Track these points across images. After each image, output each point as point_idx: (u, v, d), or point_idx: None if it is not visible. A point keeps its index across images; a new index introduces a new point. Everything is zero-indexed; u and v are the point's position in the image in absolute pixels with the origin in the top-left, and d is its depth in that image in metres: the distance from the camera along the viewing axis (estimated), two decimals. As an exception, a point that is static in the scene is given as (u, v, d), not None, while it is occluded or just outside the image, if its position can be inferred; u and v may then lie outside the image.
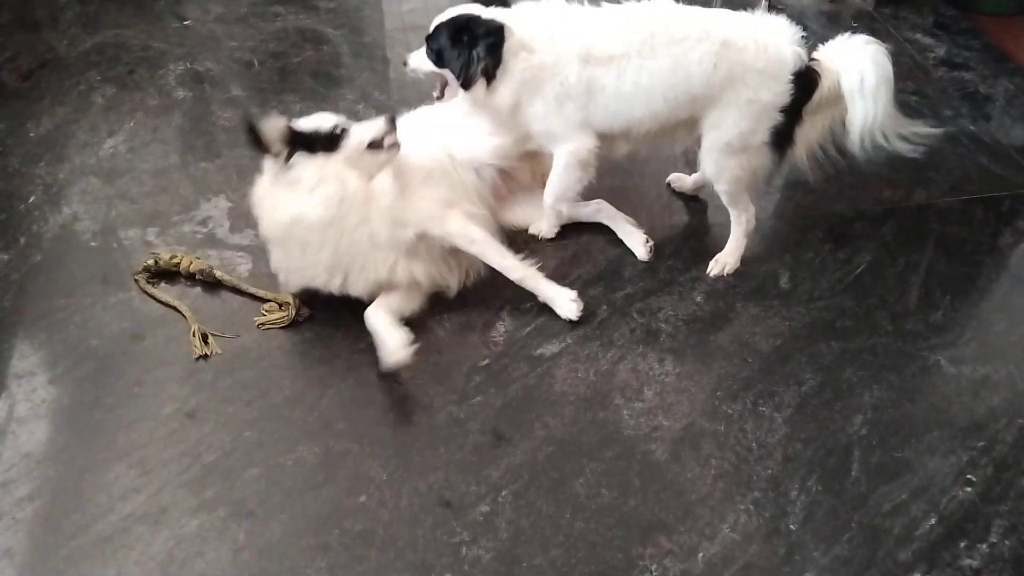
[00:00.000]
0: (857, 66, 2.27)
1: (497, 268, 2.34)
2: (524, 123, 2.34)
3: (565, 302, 2.34)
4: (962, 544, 1.90)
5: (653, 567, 1.84)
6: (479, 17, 2.21)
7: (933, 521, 1.94)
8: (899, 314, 2.43)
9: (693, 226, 2.70)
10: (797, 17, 3.75)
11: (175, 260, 2.41)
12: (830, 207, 2.79)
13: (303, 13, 3.70)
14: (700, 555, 1.86)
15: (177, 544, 1.84)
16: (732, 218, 2.50)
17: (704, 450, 2.07)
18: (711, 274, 2.51)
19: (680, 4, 2.30)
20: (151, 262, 2.41)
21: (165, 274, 2.43)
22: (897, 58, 3.52)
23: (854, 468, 2.04)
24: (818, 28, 3.75)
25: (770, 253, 2.62)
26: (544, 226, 2.58)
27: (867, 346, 2.34)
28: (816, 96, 2.30)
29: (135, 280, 2.39)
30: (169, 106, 3.12)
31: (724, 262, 2.52)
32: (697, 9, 2.30)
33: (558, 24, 2.24)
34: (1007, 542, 1.90)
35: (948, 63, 3.55)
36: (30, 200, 2.68)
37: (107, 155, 2.87)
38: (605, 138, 2.36)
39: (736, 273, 2.53)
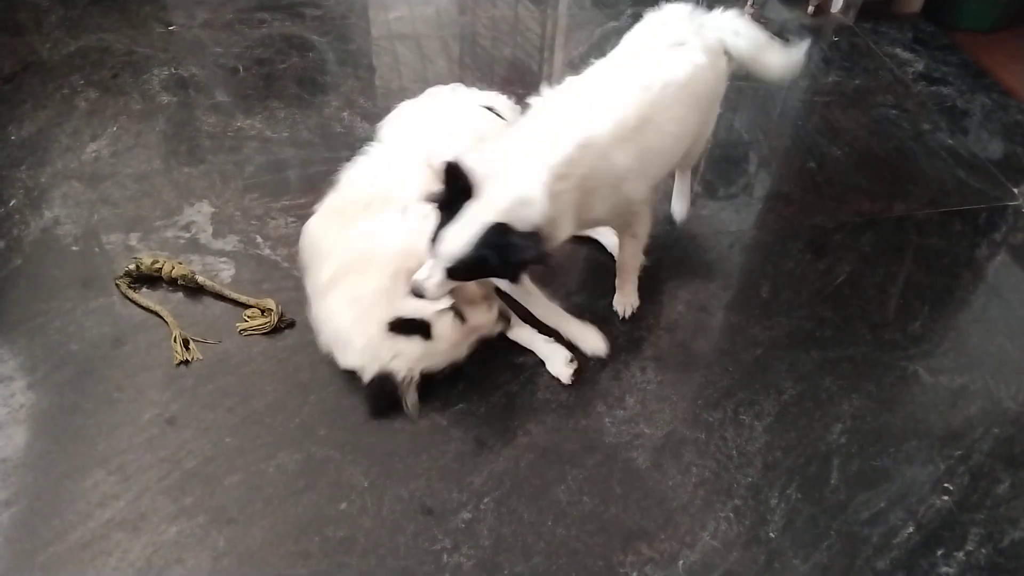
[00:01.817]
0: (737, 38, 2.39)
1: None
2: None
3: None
4: (939, 552, 1.92)
5: (634, 574, 1.84)
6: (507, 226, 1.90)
7: (911, 529, 1.96)
8: (878, 324, 2.46)
9: (675, 235, 2.72)
10: (779, 31, 3.83)
11: (157, 265, 2.40)
12: (811, 218, 2.83)
13: (289, 20, 3.70)
14: (680, 563, 1.87)
15: (156, 551, 1.83)
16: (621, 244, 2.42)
17: (685, 458, 2.08)
18: (625, 316, 2.43)
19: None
20: (132, 267, 2.39)
21: (147, 279, 2.41)
22: (877, 72, 3.62)
23: (833, 476, 2.06)
24: (799, 41, 3.78)
25: (751, 263, 2.64)
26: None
27: (846, 356, 2.36)
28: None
29: (116, 285, 2.38)
30: (153, 111, 3.11)
31: (627, 301, 2.44)
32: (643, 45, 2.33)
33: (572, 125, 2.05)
34: (983, 550, 1.93)
35: (927, 78, 3.61)
36: (11, 203, 2.66)
37: (90, 159, 2.85)
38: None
39: (717, 283, 2.56)
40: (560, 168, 1.92)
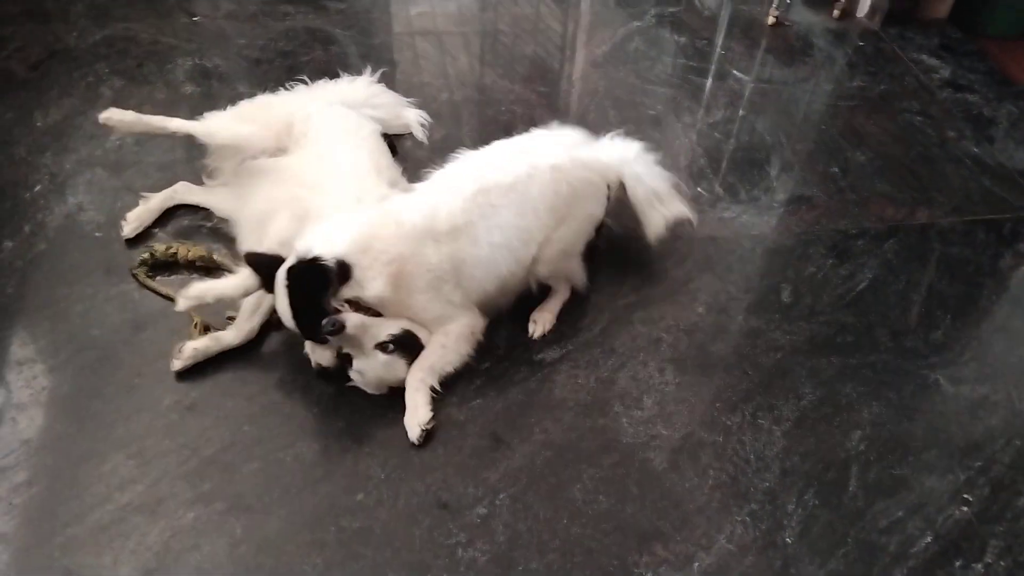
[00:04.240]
0: (640, 179, 2.43)
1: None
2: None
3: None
4: (957, 563, 1.90)
5: (649, 575, 1.84)
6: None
7: (929, 539, 1.94)
8: (899, 332, 2.44)
9: (696, 237, 2.70)
10: (803, 35, 3.81)
11: (171, 250, 2.41)
12: (833, 223, 2.81)
13: (313, 13, 3.71)
14: (696, 565, 1.86)
15: (173, 535, 1.84)
16: (557, 289, 2.41)
17: (702, 460, 2.07)
18: (534, 336, 2.34)
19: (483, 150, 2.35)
20: (147, 255, 2.40)
21: (164, 265, 2.43)
22: (902, 78, 3.60)
23: (851, 483, 2.05)
24: (825, 46, 3.77)
25: (772, 267, 2.63)
26: (422, 415, 2.07)
27: (867, 362, 2.34)
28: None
29: (133, 275, 2.39)
30: (177, 100, 3.12)
31: (543, 322, 2.37)
32: (499, 146, 2.36)
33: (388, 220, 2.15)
34: (1002, 563, 1.91)
35: (953, 85, 3.58)
36: (36, 189, 2.68)
37: (113, 147, 2.87)
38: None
39: (738, 286, 2.54)
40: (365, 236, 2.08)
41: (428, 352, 2.15)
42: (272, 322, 2.27)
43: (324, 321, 1.96)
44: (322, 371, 2.13)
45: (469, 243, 2.14)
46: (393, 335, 2.09)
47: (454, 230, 2.13)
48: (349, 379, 2.13)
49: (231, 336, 2.21)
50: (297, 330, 2.06)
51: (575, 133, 2.42)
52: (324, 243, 2.04)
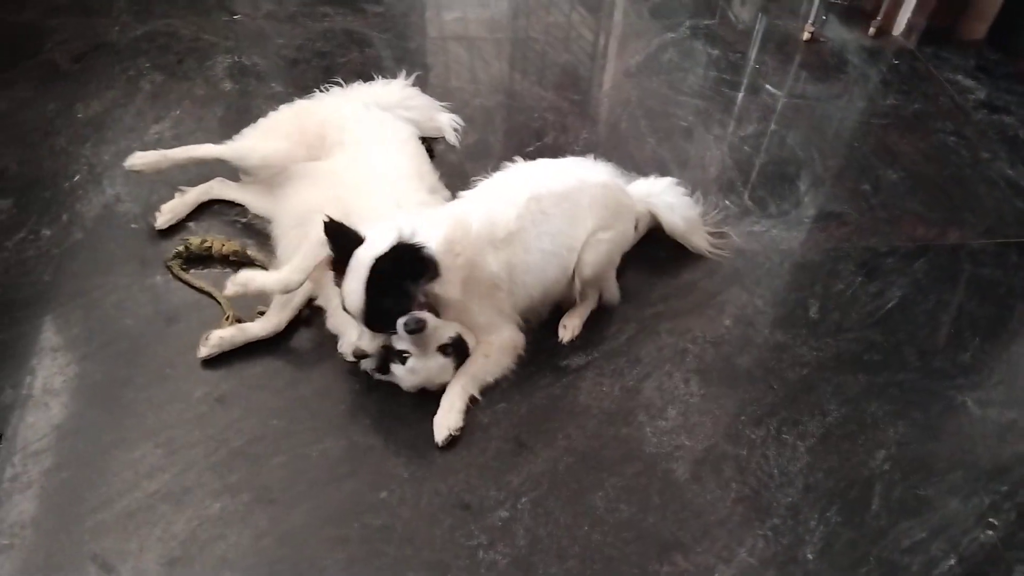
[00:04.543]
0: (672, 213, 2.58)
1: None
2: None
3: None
4: (981, 586, 1.89)
5: (668, 585, 1.84)
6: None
7: (952, 562, 1.93)
8: (927, 352, 2.43)
9: (725, 250, 2.70)
10: (838, 52, 3.80)
11: (206, 244, 2.45)
12: (863, 240, 2.80)
13: (351, 15, 3.76)
14: (716, 576, 1.86)
15: (200, 525, 1.86)
16: (586, 297, 2.41)
17: (725, 473, 2.07)
18: (564, 340, 2.35)
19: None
20: (182, 248, 2.44)
21: (198, 259, 2.46)
22: (936, 98, 3.58)
23: (875, 502, 2.04)
24: (859, 63, 3.76)
25: (800, 282, 2.62)
26: (454, 420, 2.09)
27: (894, 381, 2.33)
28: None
29: (168, 267, 2.42)
30: (215, 97, 3.17)
31: (571, 327, 2.38)
32: (545, 162, 2.42)
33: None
34: (1027, 588, 1.89)
35: (988, 106, 3.55)
36: (75, 179, 2.73)
37: (152, 140, 2.92)
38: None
39: (765, 300, 2.54)
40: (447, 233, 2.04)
41: (472, 361, 2.18)
42: (300, 318, 2.30)
43: (406, 318, 1.95)
44: (359, 357, 2.09)
45: (522, 250, 2.17)
46: (452, 338, 2.11)
47: (510, 236, 2.15)
48: (380, 371, 2.13)
49: (257, 328, 2.23)
50: (360, 312, 1.98)
51: (609, 166, 2.48)
52: (425, 233, 2.00)
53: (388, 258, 1.94)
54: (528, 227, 2.17)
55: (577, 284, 2.31)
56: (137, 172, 2.54)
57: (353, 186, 2.35)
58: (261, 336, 2.24)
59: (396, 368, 2.09)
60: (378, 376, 2.16)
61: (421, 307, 2.01)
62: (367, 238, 1.99)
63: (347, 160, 2.46)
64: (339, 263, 2.01)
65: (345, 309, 2.02)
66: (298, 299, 2.27)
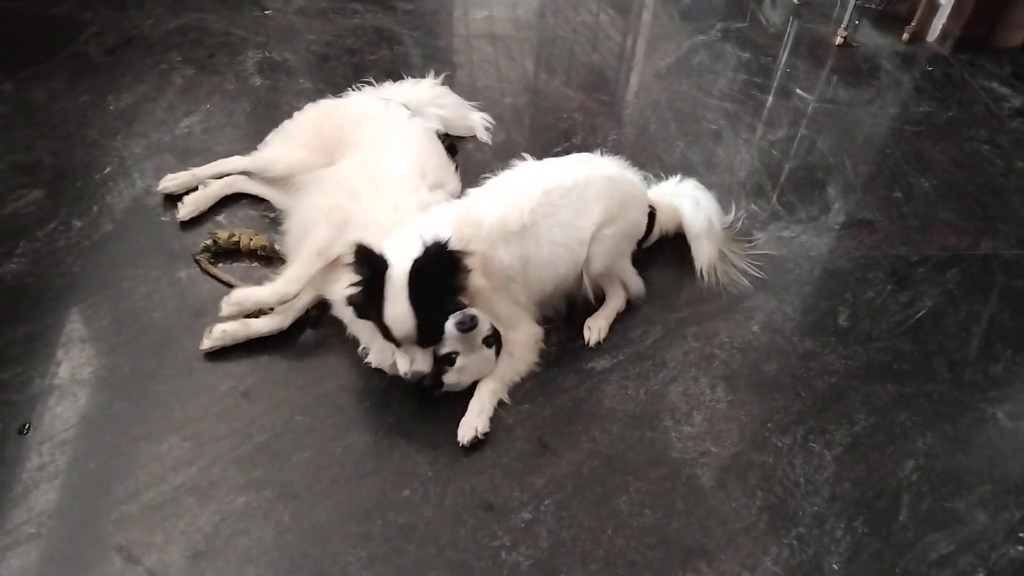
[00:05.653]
0: (698, 212, 2.56)
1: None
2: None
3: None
4: (1011, 603, 1.86)
5: (692, 592, 1.83)
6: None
7: (981, 576, 1.90)
8: (958, 363, 2.39)
9: (753, 256, 2.67)
10: (871, 57, 3.75)
11: (234, 238, 2.46)
12: (894, 249, 2.76)
13: (381, 12, 3.76)
14: (740, 585, 1.84)
15: (224, 519, 1.87)
16: (611, 296, 2.43)
17: (751, 480, 2.05)
18: (590, 342, 2.33)
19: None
20: (210, 242, 2.45)
21: (226, 253, 2.47)
22: (971, 105, 3.52)
23: (902, 513, 2.01)
24: (892, 69, 3.71)
25: (830, 290, 2.59)
26: (482, 424, 2.08)
27: (923, 392, 2.30)
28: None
29: (196, 261, 2.43)
30: (245, 92, 3.18)
31: (597, 328, 2.36)
32: (553, 160, 2.45)
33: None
34: (1058, 606, 1.86)
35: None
36: (106, 171, 2.75)
37: (182, 134, 2.94)
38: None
39: (794, 306, 2.51)
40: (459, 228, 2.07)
41: (499, 364, 2.17)
42: (309, 318, 2.31)
43: (458, 318, 1.94)
44: (420, 380, 2.05)
45: (533, 243, 2.20)
46: (491, 328, 2.10)
47: (523, 230, 2.19)
48: (436, 386, 2.11)
49: (261, 324, 2.23)
50: (412, 333, 1.94)
51: (618, 161, 2.52)
52: (437, 233, 1.98)
53: (422, 264, 1.94)
54: (540, 220, 2.21)
55: (586, 279, 2.34)
56: (169, 192, 2.62)
57: (351, 192, 2.34)
58: (264, 333, 2.24)
59: (448, 375, 2.08)
60: (437, 393, 2.12)
61: (462, 305, 2.01)
62: (390, 258, 1.96)
63: (349, 165, 2.46)
64: (368, 293, 1.97)
65: (390, 338, 1.98)
66: (303, 300, 2.27)
